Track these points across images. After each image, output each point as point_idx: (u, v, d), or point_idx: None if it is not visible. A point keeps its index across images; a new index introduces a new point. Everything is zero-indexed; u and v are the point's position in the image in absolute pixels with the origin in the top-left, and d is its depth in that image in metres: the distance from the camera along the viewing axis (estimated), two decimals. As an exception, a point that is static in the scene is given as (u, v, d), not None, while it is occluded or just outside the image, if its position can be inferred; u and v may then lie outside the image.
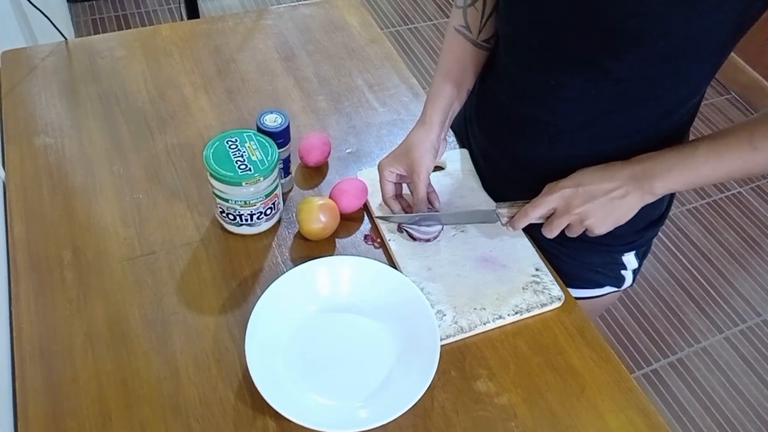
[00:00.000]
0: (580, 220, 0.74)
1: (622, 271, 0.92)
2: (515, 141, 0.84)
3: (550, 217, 0.77)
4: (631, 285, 0.95)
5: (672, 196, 0.89)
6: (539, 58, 0.74)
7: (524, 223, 0.78)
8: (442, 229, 0.85)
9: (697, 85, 0.72)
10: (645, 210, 0.84)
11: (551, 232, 0.77)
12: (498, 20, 0.81)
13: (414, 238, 0.84)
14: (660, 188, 0.71)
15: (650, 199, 0.72)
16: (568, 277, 0.85)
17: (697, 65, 0.68)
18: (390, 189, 0.86)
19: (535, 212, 0.76)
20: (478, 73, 0.87)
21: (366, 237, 0.87)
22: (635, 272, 0.93)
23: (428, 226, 0.84)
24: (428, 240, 0.84)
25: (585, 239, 0.79)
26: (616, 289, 0.94)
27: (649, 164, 0.71)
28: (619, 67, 0.68)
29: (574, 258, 0.88)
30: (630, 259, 0.90)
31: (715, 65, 0.69)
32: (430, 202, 0.86)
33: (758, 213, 2.23)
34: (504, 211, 0.80)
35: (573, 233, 0.77)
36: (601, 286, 0.93)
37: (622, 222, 0.74)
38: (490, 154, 0.91)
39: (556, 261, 0.86)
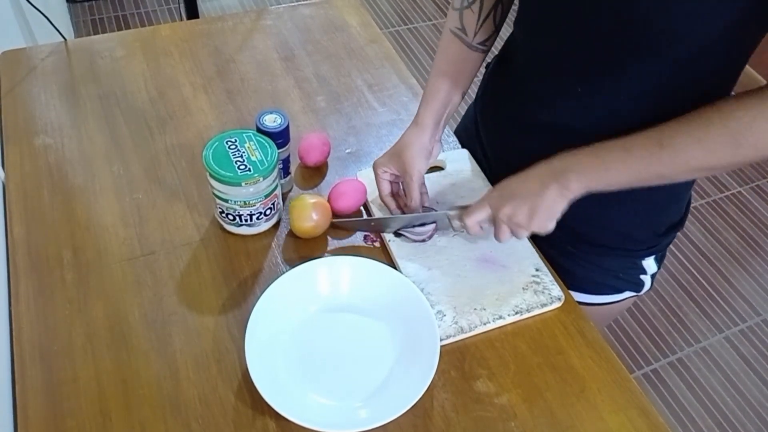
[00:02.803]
0: (509, 220, 0.74)
1: (642, 276, 0.91)
2: (529, 145, 0.83)
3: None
4: (650, 289, 0.95)
5: (689, 199, 0.89)
6: (556, 64, 0.74)
7: (474, 230, 0.78)
8: (436, 226, 0.85)
9: (720, 87, 0.71)
10: (666, 214, 0.84)
11: (499, 238, 0.78)
12: (515, 25, 0.81)
13: (411, 239, 0.85)
14: (574, 183, 0.70)
15: (569, 195, 0.71)
16: (588, 284, 0.84)
17: (717, 72, 0.67)
18: (386, 187, 0.86)
19: (470, 219, 0.77)
20: (474, 74, 0.87)
21: (366, 237, 0.87)
22: (653, 276, 0.93)
23: (421, 225, 0.84)
24: (423, 240, 0.84)
25: (607, 244, 0.78)
26: (634, 294, 0.94)
27: (566, 159, 0.71)
28: (637, 75, 0.67)
29: (595, 264, 0.88)
30: (650, 264, 0.90)
31: (735, 73, 0.68)
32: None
33: (758, 213, 2.23)
34: (453, 213, 0.80)
35: (520, 236, 0.77)
36: (621, 291, 0.93)
37: (552, 219, 0.73)
38: (504, 156, 0.91)
39: (577, 268, 0.86)
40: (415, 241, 0.84)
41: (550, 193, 0.71)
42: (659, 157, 0.65)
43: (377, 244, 0.87)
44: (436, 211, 0.86)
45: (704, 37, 0.62)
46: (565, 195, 0.71)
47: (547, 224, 0.74)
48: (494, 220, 0.77)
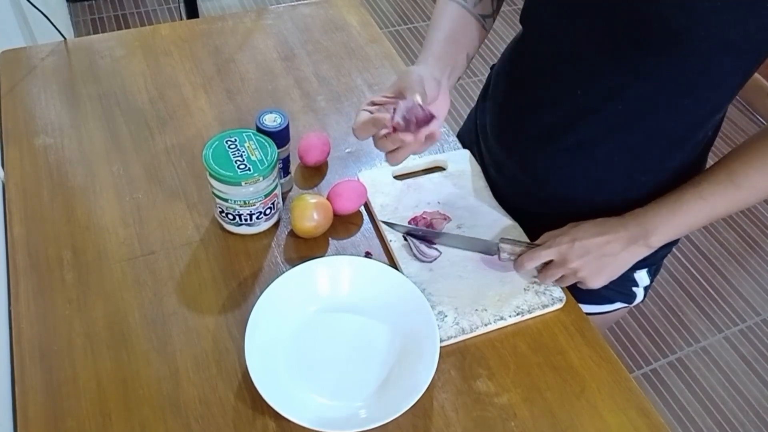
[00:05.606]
0: (573, 273, 0.76)
1: (634, 288, 0.91)
2: (533, 153, 0.83)
3: (546, 263, 0.78)
4: (642, 301, 0.95)
5: None
6: (564, 63, 0.73)
7: (525, 271, 0.80)
8: (441, 255, 0.84)
9: (725, 97, 0.71)
10: None
11: (544, 280, 0.79)
12: (522, 23, 0.80)
13: (414, 255, 0.83)
14: (656, 242, 0.73)
15: (646, 253, 0.74)
16: (578, 292, 0.84)
17: (730, 75, 0.67)
18: (363, 116, 0.69)
19: (530, 264, 0.78)
20: (475, 45, 0.81)
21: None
22: (646, 289, 0.93)
23: (428, 248, 0.83)
24: (429, 262, 0.83)
25: None
26: (626, 305, 0.94)
27: (642, 221, 0.73)
28: (647, 76, 0.67)
29: None
30: (642, 276, 0.90)
31: (746, 76, 0.68)
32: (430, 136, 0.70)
33: (758, 213, 2.23)
34: (506, 246, 0.80)
35: (564, 284, 0.79)
36: (612, 302, 0.93)
37: (615, 277, 0.76)
38: (504, 165, 0.89)
39: None
40: (421, 260, 0.83)
41: (625, 255, 0.74)
42: (737, 197, 0.70)
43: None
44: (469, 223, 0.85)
45: (722, 40, 0.61)
46: (640, 254, 0.75)
47: (607, 282, 0.77)
48: (551, 266, 0.77)
